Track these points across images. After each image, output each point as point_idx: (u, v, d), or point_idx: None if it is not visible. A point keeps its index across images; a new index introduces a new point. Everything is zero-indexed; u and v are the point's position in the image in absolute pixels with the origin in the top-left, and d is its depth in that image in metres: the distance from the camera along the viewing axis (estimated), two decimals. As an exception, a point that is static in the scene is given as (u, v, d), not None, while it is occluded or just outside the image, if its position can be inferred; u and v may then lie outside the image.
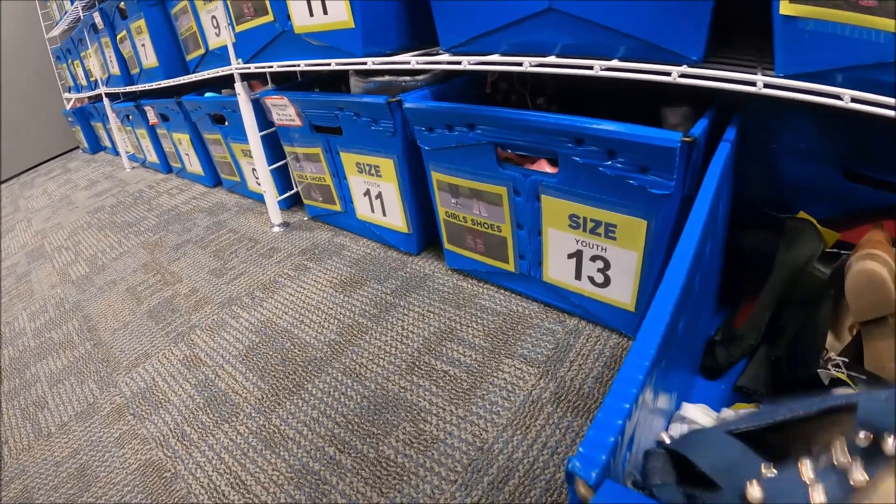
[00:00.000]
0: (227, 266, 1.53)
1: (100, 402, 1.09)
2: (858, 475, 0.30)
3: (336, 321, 1.16)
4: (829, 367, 0.64)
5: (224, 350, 1.15)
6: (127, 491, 0.87)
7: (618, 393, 0.34)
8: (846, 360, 0.65)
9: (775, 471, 0.34)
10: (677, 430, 0.62)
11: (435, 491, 0.76)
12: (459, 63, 0.94)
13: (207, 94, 1.97)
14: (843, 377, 0.62)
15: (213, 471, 0.86)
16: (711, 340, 0.86)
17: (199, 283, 1.48)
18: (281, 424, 0.92)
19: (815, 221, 0.79)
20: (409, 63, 1.03)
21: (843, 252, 0.77)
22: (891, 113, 0.58)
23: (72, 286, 1.68)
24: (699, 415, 0.63)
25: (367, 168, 1.29)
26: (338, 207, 1.52)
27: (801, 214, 0.81)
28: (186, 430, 0.96)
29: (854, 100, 0.60)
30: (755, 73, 0.68)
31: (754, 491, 0.32)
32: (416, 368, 0.98)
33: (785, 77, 0.65)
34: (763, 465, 0.34)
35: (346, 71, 1.26)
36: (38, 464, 0.97)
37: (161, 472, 0.89)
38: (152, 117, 2.39)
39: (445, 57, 0.98)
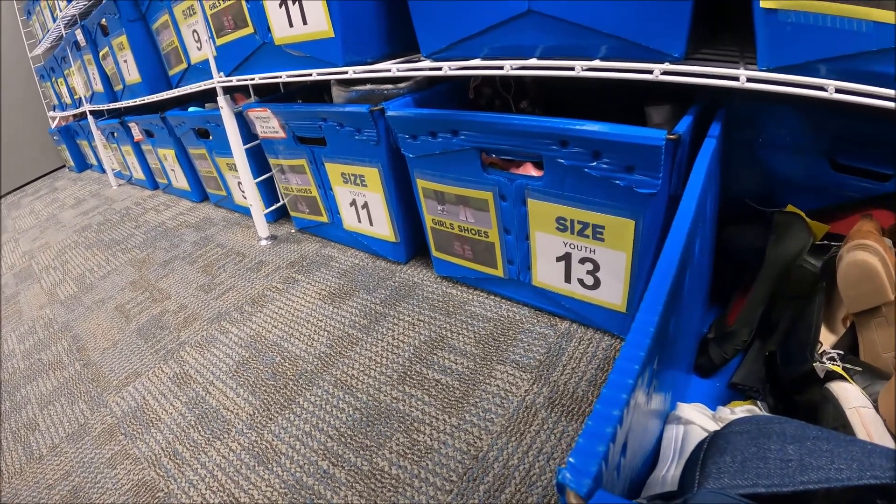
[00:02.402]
0: (215, 281, 1.52)
1: (91, 423, 1.07)
2: None
3: (326, 333, 1.15)
4: (825, 360, 0.64)
5: (214, 366, 1.14)
6: (119, 513, 0.85)
7: (608, 399, 0.33)
8: (841, 352, 0.65)
9: None
10: (672, 432, 0.61)
11: (431, 502, 0.75)
12: (440, 69, 0.94)
13: (191, 109, 1.96)
14: (839, 370, 0.62)
15: (206, 489, 0.85)
16: (704, 338, 0.85)
17: (187, 299, 1.47)
18: (273, 440, 0.91)
19: (803, 214, 0.79)
20: (389, 70, 1.02)
21: (833, 244, 0.77)
22: (875, 102, 0.58)
23: (60, 306, 1.66)
24: (695, 414, 0.62)
25: (353, 178, 1.28)
26: (324, 219, 1.51)
27: (790, 208, 0.80)
28: (178, 448, 0.95)
29: (839, 90, 0.60)
30: (738, 68, 0.67)
31: None
32: (407, 378, 0.97)
33: (767, 70, 0.65)
34: None
35: (328, 81, 1.25)
36: (30, 487, 0.96)
37: (154, 491, 0.87)
38: (137, 133, 2.37)
39: (426, 63, 0.97)
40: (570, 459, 0.29)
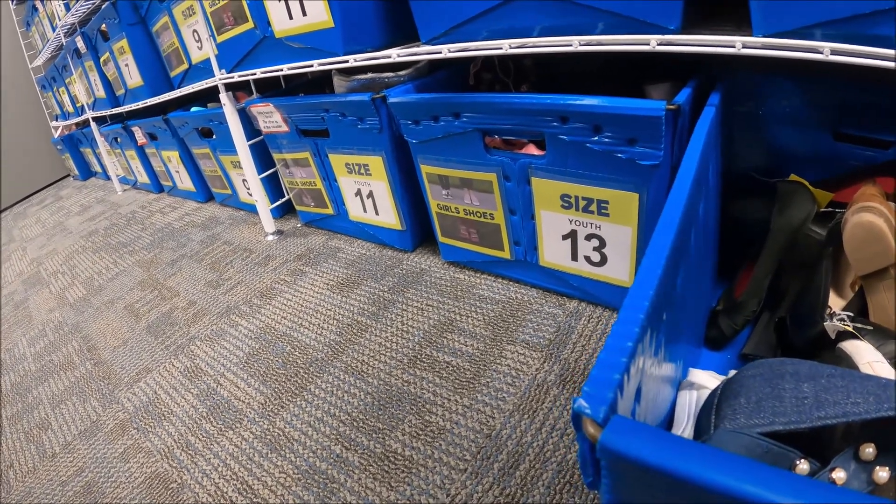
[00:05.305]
0: (223, 277, 1.53)
1: (103, 420, 1.08)
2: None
3: (335, 322, 1.16)
4: (835, 321, 0.64)
5: (224, 358, 1.14)
6: (134, 504, 0.86)
7: (619, 333, 0.33)
8: (851, 314, 0.65)
9: (807, 466, 0.33)
10: (686, 397, 0.61)
11: (445, 481, 0.75)
12: (440, 52, 0.94)
13: (194, 109, 1.97)
14: (850, 329, 0.62)
15: (219, 478, 0.86)
16: (714, 311, 0.85)
17: (196, 295, 1.47)
18: (285, 427, 0.91)
19: (806, 183, 0.79)
20: (390, 56, 1.02)
21: (837, 211, 0.76)
22: (871, 62, 0.58)
23: (70, 309, 1.67)
24: (708, 379, 0.62)
25: (357, 167, 1.28)
26: (330, 211, 1.51)
27: (793, 177, 0.80)
28: (191, 439, 0.95)
29: (834, 52, 0.60)
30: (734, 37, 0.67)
31: None
32: (418, 361, 0.97)
33: (764, 37, 0.64)
34: (796, 459, 0.33)
35: (329, 73, 1.26)
36: (43, 485, 0.96)
37: (167, 483, 0.88)
38: (140, 137, 2.39)
39: (426, 48, 0.97)
40: (585, 388, 0.29)
